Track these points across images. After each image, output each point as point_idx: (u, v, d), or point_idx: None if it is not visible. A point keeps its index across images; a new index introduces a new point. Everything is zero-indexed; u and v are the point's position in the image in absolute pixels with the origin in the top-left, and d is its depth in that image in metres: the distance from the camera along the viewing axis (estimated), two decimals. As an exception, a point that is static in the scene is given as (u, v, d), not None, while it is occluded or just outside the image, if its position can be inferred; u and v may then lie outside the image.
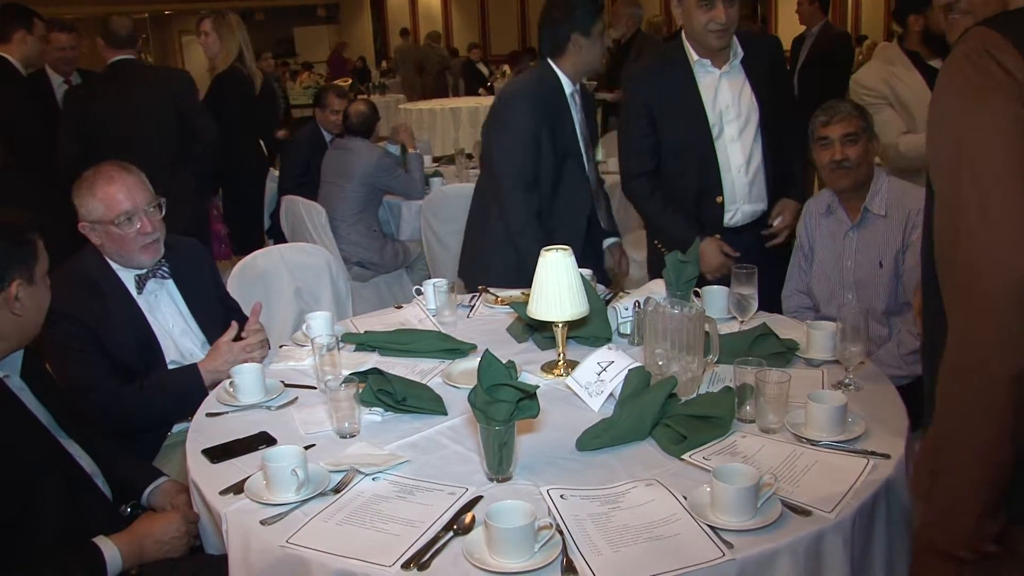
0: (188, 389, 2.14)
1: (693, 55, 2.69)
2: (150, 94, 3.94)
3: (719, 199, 2.72)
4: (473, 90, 11.96)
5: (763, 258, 2.69)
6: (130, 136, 3.78)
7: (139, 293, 2.27)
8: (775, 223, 2.84)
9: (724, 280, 2.27)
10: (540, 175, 2.84)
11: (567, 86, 2.89)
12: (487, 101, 10.15)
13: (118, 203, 2.16)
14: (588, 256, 2.91)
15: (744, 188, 2.75)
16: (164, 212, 2.27)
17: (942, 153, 1.18)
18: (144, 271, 2.27)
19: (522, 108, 2.84)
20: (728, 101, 2.72)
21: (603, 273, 3.12)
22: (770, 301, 2.30)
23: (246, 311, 2.53)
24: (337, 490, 1.55)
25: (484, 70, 13.11)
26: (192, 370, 2.18)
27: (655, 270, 2.79)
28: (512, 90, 2.99)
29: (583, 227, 2.98)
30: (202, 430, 1.86)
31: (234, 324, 2.21)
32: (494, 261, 2.96)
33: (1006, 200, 1.10)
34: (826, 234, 2.61)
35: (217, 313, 2.38)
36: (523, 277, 2.58)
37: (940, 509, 1.23)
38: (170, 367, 2.27)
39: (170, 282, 2.34)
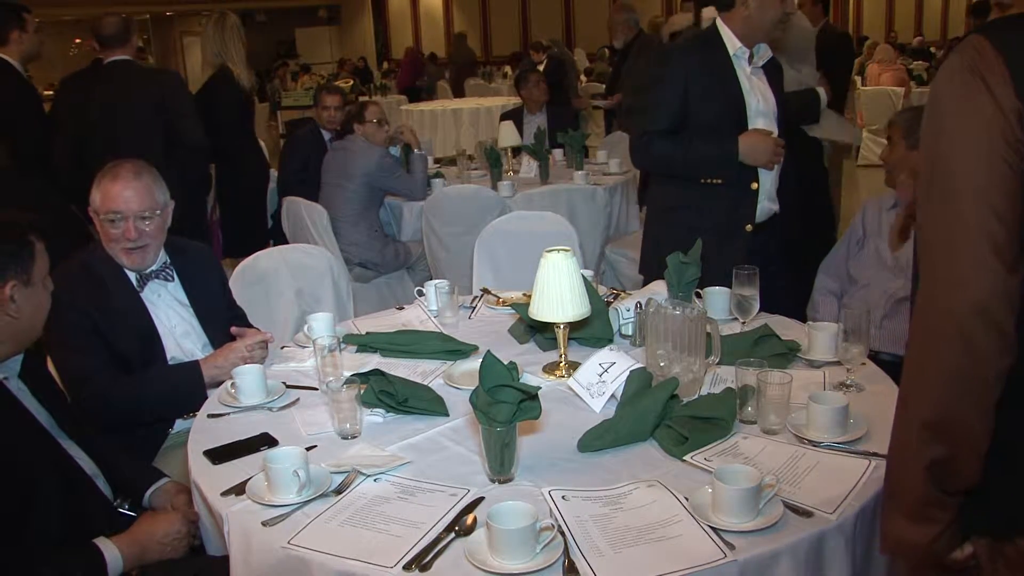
0: (187, 385, 2.14)
1: (735, 43, 2.70)
2: (136, 95, 3.89)
3: (754, 185, 2.72)
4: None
5: (773, 259, 2.70)
6: (116, 136, 3.75)
7: (140, 291, 2.28)
8: None
9: (725, 282, 2.27)
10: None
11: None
12: (487, 102, 10.19)
13: (110, 201, 2.17)
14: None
15: (768, 181, 2.76)
16: (169, 223, 2.29)
17: (924, 161, 1.12)
18: (143, 271, 2.27)
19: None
20: (757, 95, 2.75)
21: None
22: (770, 303, 2.30)
23: (248, 312, 2.54)
24: (339, 491, 1.55)
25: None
26: (193, 366, 2.18)
27: (650, 270, 2.79)
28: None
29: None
30: (204, 431, 1.86)
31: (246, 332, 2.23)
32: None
33: (966, 247, 1.06)
34: (887, 225, 2.72)
35: (222, 318, 2.38)
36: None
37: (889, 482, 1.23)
38: (171, 363, 2.27)
39: (175, 284, 2.34)
